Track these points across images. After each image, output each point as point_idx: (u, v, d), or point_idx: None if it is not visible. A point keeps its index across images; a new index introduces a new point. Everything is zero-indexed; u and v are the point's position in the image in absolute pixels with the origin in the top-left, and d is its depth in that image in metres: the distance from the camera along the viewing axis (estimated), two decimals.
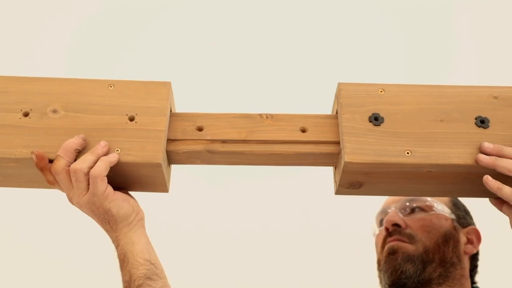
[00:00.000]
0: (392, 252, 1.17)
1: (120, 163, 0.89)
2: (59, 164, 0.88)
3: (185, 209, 2.02)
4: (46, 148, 0.89)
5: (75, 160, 0.89)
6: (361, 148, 0.90)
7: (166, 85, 0.97)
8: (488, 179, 0.88)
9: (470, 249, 1.21)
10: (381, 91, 0.96)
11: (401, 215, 1.20)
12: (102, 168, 0.87)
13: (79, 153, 0.89)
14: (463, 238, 1.21)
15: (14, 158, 0.89)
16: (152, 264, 0.90)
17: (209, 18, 2.30)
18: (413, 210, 1.21)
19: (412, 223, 1.19)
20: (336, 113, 0.97)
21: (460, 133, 0.92)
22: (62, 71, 1.02)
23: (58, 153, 0.88)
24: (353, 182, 0.95)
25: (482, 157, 0.89)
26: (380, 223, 1.26)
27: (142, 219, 0.95)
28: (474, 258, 1.24)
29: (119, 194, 0.92)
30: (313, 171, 0.99)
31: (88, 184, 0.88)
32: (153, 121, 0.92)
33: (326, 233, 1.92)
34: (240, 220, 1.94)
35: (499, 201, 0.93)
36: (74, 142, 0.88)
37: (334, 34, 2.24)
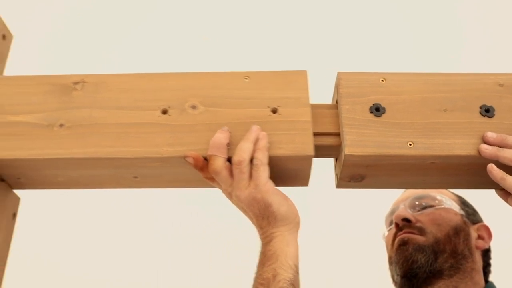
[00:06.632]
0: (403, 243, 1.16)
1: (270, 157, 0.86)
2: (218, 164, 0.84)
3: (186, 209, 2.01)
4: (192, 145, 0.86)
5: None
6: (362, 140, 0.87)
7: (303, 74, 0.94)
8: (492, 168, 0.86)
9: (482, 244, 1.20)
10: (382, 80, 0.93)
11: (410, 212, 1.19)
12: (260, 156, 0.84)
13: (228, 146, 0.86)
14: (473, 234, 1.20)
15: (160, 158, 0.86)
16: (297, 272, 0.86)
17: (200, 14, 2.27)
18: (422, 208, 1.20)
19: (422, 217, 1.19)
20: (337, 102, 0.94)
21: (464, 123, 0.89)
22: (41, 66, 0.99)
23: (211, 153, 0.84)
24: (354, 175, 0.92)
25: (484, 147, 0.86)
26: (390, 223, 1.25)
27: (298, 223, 0.89)
28: (486, 255, 1.23)
29: (279, 191, 0.88)
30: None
31: (250, 176, 0.85)
32: (297, 112, 0.89)
33: (326, 233, 1.90)
34: (237, 222, 1.91)
35: (504, 192, 0.91)
36: (223, 137, 0.85)
37: (335, 22, 2.21)
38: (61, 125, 0.88)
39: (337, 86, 0.94)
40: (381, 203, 1.29)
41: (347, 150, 0.87)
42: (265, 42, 2.20)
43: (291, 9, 2.28)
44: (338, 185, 0.95)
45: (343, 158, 0.88)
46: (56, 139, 0.87)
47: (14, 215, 0.94)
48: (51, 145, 0.86)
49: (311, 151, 0.86)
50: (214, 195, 0.94)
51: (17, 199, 0.96)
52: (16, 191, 0.95)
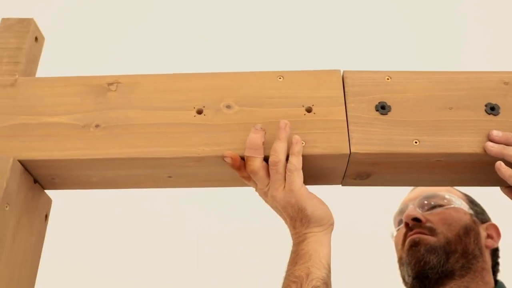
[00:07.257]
0: (415, 244, 1.17)
1: (305, 156, 0.86)
2: (255, 165, 0.85)
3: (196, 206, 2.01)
4: (227, 145, 0.87)
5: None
6: (368, 138, 0.88)
7: (337, 74, 0.94)
8: (501, 166, 0.86)
9: (491, 243, 1.21)
10: (387, 79, 0.94)
11: (420, 211, 1.19)
12: (295, 161, 0.85)
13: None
14: (483, 233, 1.21)
15: (197, 157, 0.86)
16: (330, 272, 0.87)
17: (200, 14, 2.27)
18: (431, 207, 1.20)
19: (432, 217, 1.19)
20: None
21: (469, 121, 0.90)
22: (41, 66, 0.99)
23: (248, 154, 0.85)
24: (360, 172, 0.93)
25: (490, 145, 0.87)
26: (399, 223, 1.25)
27: (332, 224, 0.91)
28: (494, 254, 1.23)
29: (313, 194, 0.89)
30: None
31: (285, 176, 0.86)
32: (332, 111, 0.90)
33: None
34: (253, 221, 1.91)
35: (510, 190, 0.91)
36: (258, 137, 0.85)
37: (336, 21, 2.21)
38: (97, 126, 0.89)
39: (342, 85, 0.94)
40: (387, 200, 1.29)
41: (353, 148, 0.87)
42: (266, 42, 2.20)
43: (291, 10, 2.28)
44: (344, 183, 0.96)
45: (349, 156, 0.88)
46: (92, 139, 0.87)
47: (46, 216, 0.95)
48: (87, 146, 0.87)
49: (346, 149, 0.87)
50: (230, 194, 0.94)
51: (49, 200, 0.96)
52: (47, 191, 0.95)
